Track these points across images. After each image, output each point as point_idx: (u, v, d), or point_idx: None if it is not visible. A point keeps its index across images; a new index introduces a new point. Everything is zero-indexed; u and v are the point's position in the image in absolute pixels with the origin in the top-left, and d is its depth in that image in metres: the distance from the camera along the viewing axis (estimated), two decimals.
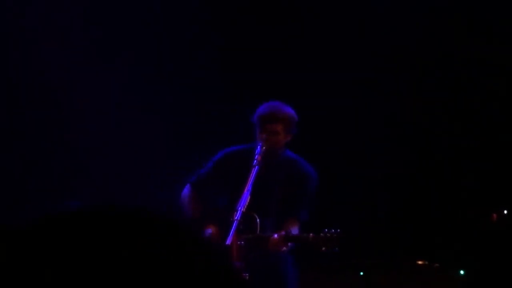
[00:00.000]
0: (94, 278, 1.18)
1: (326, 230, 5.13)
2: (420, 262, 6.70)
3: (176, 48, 7.28)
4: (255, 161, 5.15)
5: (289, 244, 5.17)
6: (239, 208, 4.91)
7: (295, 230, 5.29)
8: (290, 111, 5.38)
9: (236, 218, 4.88)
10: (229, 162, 5.50)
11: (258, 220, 5.24)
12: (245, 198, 4.95)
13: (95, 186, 6.92)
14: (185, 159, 6.33)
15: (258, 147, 5.22)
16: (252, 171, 5.11)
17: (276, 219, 5.40)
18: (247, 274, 5.01)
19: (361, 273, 6.58)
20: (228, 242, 4.83)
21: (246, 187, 4.99)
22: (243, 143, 5.59)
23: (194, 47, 7.27)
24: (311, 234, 5.14)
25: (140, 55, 7.20)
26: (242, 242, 5.04)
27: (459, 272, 6.58)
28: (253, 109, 5.46)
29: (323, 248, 5.12)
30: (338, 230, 5.11)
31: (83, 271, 1.18)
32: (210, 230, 5.28)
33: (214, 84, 7.20)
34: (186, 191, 5.59)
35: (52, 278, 1.17)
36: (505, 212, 6.55)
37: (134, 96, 7.17)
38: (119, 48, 7.15)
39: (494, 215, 6.56)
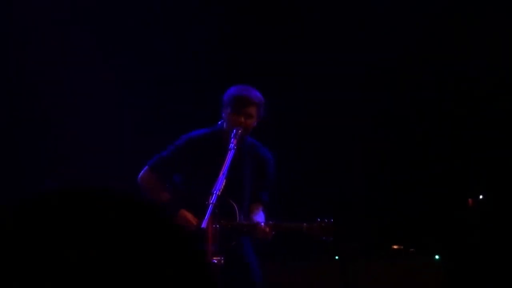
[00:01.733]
0: (60, 256, 1.21)
1: (319, 219, 5.22)
2: (395, 247, 6.77)
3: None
4: (231, 144, 5.14)
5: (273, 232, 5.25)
6: (215, 192, 4.86)
7: (260, 216, 5.38)
8: (261, 96, 5.43)
9: (211, 201, 4.84)
10: (193, 146, 5.50)
11: (236, 206, 5.32)
12: (221, 182, 4.90)
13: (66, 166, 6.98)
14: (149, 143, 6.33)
15: (234, 130, 5.21)
16: (228, 154, 5.08)
17: (247, 205, 5.47)
18: (222, 258, 4.99)
19: (336, 257, 6.63)
20: (204, 225, 4.79)
21: (222, 171, 4.95)
22: (202, 127, 5.60)
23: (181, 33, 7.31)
24: (304, 224, 5.23)
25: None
26: (217, 226, 5.05)
27: (435, 257, 6.63)
28: (219, 92, 5.48)
29: (318, 237, 5.22)
30: (331, 219, 5.20)
31: (55, 249, 1.20)
32: (185, 214, 5.31)
33: (179, 66, 7.22)
34: (145, 173, 5.57)
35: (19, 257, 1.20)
36: (481, 197, 6.60)
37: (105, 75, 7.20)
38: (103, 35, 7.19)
39: (470, 200, 6.61)
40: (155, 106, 7.23)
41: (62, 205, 1.26)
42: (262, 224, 5.26)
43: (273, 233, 5.25)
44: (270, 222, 5.25)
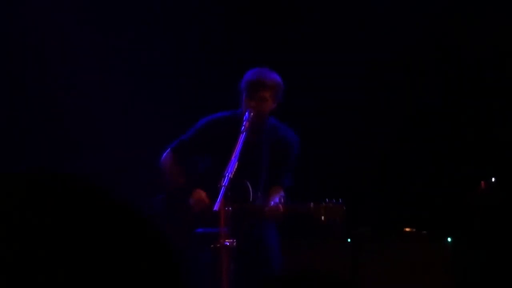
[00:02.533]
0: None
1: (327, 199, 5.24)
2: (407, 230, 6.77)
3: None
4: (243, 127, 5.18)
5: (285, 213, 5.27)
6: (227, 174, 4.91)
7: (280, 196, 5.37)
8: (278, 78, 5.43)
9: (224, 184, 4.89)
10: (213, 129, 5.53)
11: (250, 188, 5.34)
12: (233, 165, 4.95)
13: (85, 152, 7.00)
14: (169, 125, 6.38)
15: (247, 113, 5.25)
16: (240, 137, 5.13)
17: (264, 186, 5.47)
18: (234, 240, 5.03)
19: (348, 240, 6.62)
20: (216, 208, 4.86)
21: (234, 154, 5.00)
22: (227, 109, 5.65)
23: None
24: (312, 204, 5.26)
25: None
26: (230, 208, 5.02)
27: (447, 240, 6.65)
28: (238, 76, 5.51)
29: (323, 218, 5.23)
30: (340, 200, 5.24)
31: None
32: (199, 193, 5.35)
33: (199, 50, 7.26)
34: (167, 156, 5.63)
35: None
36: (493, 180, 6.59)
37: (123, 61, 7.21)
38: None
39: (483, 182, 6.60)
40: (173, 92, 7.25)
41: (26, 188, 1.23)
42: (271, 204, 5.28)
43: (283, 213, 5.26)
44: (278, 200, 5.26)
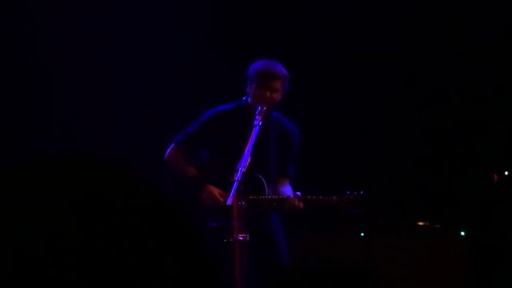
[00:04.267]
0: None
1: (349, 192, 5.29)
2: (421, 223, 6.80)
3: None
4: (256, 121, 5.17)
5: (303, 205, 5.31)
6: (240, 168, 4.90)
7: (288, 189, 5.43)
8: (285, 69, 5.46)
9: (237, 178, 4.88)
10: (219, 120, 5.51)
11: (264, 181, 5.35)
12: (246, 159, 4.94)
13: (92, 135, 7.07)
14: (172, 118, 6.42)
15: (259, 107, 5.23)
16: (253, 131, 5.12)
17: (274, 180, 5.50)
18: (247, 235, 5.04)
19: (362, 234, 6.66)
20: (229, 202, 4.87)
21: (247, 148, 4.99)
22: (227, 101, 5.65)
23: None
24: (334, 197, 5.30)
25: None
26: (243, 203, 5.04)
27: (460, 233, 6.69)
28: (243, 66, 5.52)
29: (347, 210, 5.30)
30: (361, 192, 5.29)
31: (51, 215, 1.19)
32: (212, 189, 5.36)
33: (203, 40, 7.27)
34: (172, 150, 5.61)
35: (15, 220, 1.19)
36: (506, 173, 6.61)
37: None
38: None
39: (495, 175, 6.60)
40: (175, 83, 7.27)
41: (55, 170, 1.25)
42: (292, 197, 5.30)
43: (303, 206, 5.29)
44: (298, 194, 5.29)
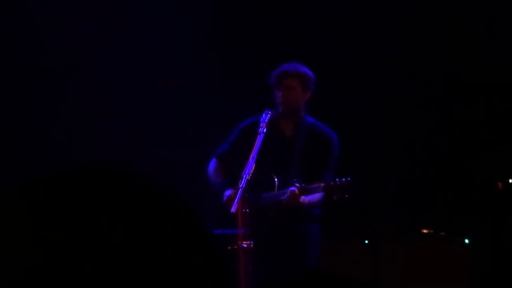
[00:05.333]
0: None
1: (337, 179, 5.28)
2: (425, 231, 6.84)
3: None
4: (260, 128, 5.26)
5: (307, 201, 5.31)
6: (244, 176, 4.99)
7: (320, 194, 5.41)
8: (306, 69, 5.50)
9: (241, 186, 4.97)
10: (252, 131, 5.52)
11: (277, 181, 5.39)
12: (250, 166, 5.04)
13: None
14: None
15: (264, 115, 5.33)
16: (258, 138, 5.21)
17: (292, 180, 5.47)
18: (251, 242, 5.12)
19: (366, 241, 6.69)
20: (233, 210, 4.95)
21: (251, 155, 5.07)
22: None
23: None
24: (322, 184, 5.27)
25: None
26: (247, 210, 5.10)
27: (464, 241, 6.69)
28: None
29: (335, 197, 5.27)
30: (348, 178, 5.26)
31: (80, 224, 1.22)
32: (229, 192, 5.37)
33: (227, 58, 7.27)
34: (212, 164, 5.69)
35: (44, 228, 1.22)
36: (510, 181, 6.64)
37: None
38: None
39: (500, 183, 6.64)
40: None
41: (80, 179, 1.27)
42: (290, 190, 5.30)
43: (300, 196, 5.28)
44: (297, 185, 5.30)
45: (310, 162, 5.54)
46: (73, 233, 1.21)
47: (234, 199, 5.25)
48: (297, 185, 5.26)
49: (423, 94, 7.29)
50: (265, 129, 5.24)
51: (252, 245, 5.13)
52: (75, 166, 1.28)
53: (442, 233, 6.81)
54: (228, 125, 5.91)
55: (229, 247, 5.16)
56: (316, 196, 5.36)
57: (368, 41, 7.15)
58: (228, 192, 5.39)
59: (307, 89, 5.46)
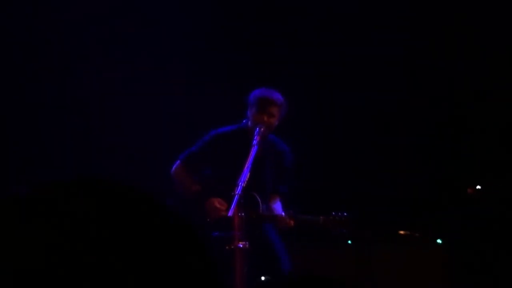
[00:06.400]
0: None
1: (334, 213, 5.55)
2: (402, 233, 6.92)
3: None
4: (254, 141, 5.48)
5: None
6: (240, 183, 5.17)
7: (278, 205, 5.72)
8: (282, 97, 5.74)
9: (237, 192, 5.15)
10: (221, 141, 5.78)
11: (259, 198, 5.65)
12: (245, 175, 5.23)
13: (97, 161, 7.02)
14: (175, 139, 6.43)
15: (257, 128, 5.56)
16: (252, 150, 5.42)
17: (268, 196, 5.80)
18: (246, 242, 5.33)
19: (349, 242, 6.82)
20: (230, 214, 5.14)
21: (246, 165, 5.27)
22: (227, 124, 5.89)
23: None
24: (321, 217, 5.57)
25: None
26: (243, 214, 5.30)
27: (437, 241, 6.81)
28: (244, 93, 5.78)
29: (332, 230, 5.57)
30: (345, 214, 5.54)
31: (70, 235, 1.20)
32: (213, 201, 5.64)
33: (204, 67, 7.19)
34: (178, 166, 5.87)
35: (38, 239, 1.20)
36: (478, 187, 6.72)
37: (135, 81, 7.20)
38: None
39: (470, 189, 6.74)
40: (182, 105, 7.24)
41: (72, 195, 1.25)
42: (284, 215, 5.57)
43: (293, 223, 5.56)
44: (291, 211, 5.56)
45: (275, 179, 5.82)
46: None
47: (224, 205, 5.56)
48: (291, 211, 5.57)
49: (402, 101, 7.23)
50: (258, 142, 5.47)
51: (247, 245, 5.32)
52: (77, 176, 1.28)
53: (417, 235, 6.88)
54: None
55: (226, 247, 5.31)
56: (310, 222, 5.63)
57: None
58: (212, 200, 5.63)
59: (281, 116, 5.70)
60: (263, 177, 5.76)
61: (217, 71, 7.16)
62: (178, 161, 5.90)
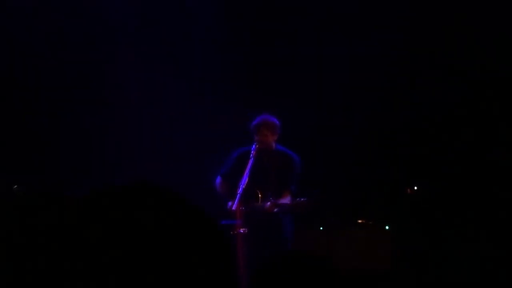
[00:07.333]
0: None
1: (298, 199, 6.71)
2: (360, 221, 7.71)
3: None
4: (251, 155, 6.81)
5: (277, 209, 6.61)
6: (241, 185, 6.52)
7: (286, 199, 6.68)
8: (274, 120, 6.84)
9: (239, 192, 6.48)
10: (243, 157, 6.81)
11: (260, 194, 6.81)
12: (245, 179, 6.55)
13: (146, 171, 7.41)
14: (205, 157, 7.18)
15: (253, 146, 6.87)
16: (249, 162, 6.72)
17: (275, 193, 6.78)
18: (246, 229, 6.50)
19: (321, 228, 7.65)
20: (234, 207, 6.49)
21: (245, 172, 6.60)
22: (248, 144, 6.82)
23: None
24: (289, 202, 6.70)
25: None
26: (243, 208, 6.52)
27: (385, 227, 7.58)
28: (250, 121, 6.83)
29: (298, 211, 6.66)
30: (305, 198, 6.64)
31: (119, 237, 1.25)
32: (230, 203, 6.78)
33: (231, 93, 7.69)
34: (218, 180, 7.01)
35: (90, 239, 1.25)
36: (415, 188, 7.57)
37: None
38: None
39: (408, 189, 7.60)
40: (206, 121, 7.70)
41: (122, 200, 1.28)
42: (267, 204, 6.70)
43: (275, 209, 6.61)
44: (272, 200, 6.63)
45: (282, 180, 6.79)
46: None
47: (234, 203, 6.55)
48: (272, 200, 6.68)
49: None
50: (254, 156, 6.77)
51: (246, 231, 6.51)
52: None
53: (370, 222, 7.62)
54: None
55: (231, 233, 6.38)
56: (286, 207, 6.66)
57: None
58: (229, 203, 6.66)
59: (275, 134, 6.78)
60: (266, 179, 6.73)
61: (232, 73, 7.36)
62: (219, 176, 6.98)
